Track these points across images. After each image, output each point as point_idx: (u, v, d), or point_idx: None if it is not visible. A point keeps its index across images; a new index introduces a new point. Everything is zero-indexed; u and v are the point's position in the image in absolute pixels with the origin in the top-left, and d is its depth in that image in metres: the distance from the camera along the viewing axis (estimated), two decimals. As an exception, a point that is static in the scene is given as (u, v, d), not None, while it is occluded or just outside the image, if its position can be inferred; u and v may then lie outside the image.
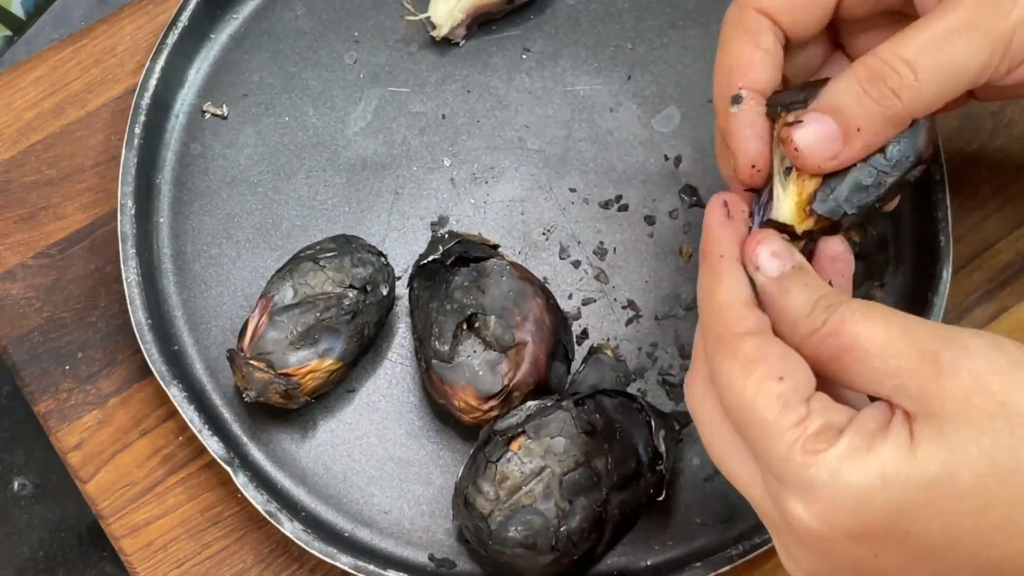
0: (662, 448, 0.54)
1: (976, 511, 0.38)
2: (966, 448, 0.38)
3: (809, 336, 0.41)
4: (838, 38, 0.52)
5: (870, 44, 0.49)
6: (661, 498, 0.54)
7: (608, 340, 0.60)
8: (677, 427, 0.56)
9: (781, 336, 0.42)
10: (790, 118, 0.45)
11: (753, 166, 0.46)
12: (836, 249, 0.47)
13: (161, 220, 0.62)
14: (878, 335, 0.40)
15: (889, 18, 0.50)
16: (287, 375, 0.55)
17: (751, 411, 0.40)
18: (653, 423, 0.54)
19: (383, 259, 0.58)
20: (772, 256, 0.44)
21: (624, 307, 0.60)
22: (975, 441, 0.38)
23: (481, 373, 0.55)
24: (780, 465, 0.39)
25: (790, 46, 0.49)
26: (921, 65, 0.43)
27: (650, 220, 0.62)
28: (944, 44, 0.43)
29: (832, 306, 0.41)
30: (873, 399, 0.42)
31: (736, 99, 0.46)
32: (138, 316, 0.58)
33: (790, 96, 0.46)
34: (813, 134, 0.44)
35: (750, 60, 0.47)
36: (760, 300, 0.44)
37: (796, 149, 0.44)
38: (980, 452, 0.38)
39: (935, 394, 0.38)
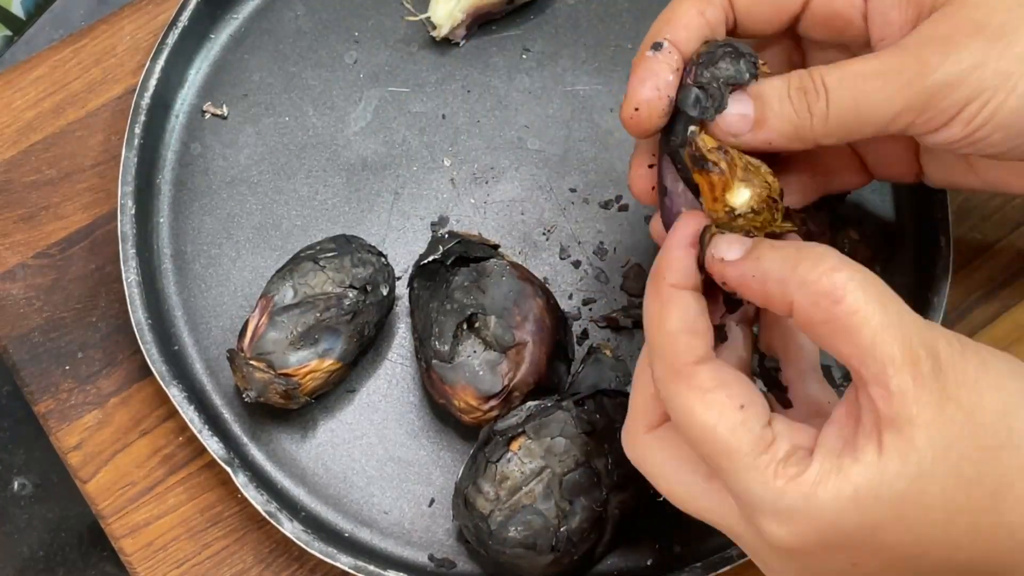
0: (662, 448, 0.54)
1: (944, 521, 0.39)
2: (935, 463, 0.39)
3: (804, 294, 0.41)
4: (804, 59, 0.52)
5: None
6: (662, 498, 0.54)
7: (608, 340, 0.60)
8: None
9: (768, 303, 0.42)
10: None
11: (636, 109, 0.46)
12: None
13: (161, 220, 0.62)
14: (876, 315, 0.40)
15: (846, 51, 0.50)
16: (287, 375, 0.55)
17: (715, 442, 0.41)
18: (653, 423, 0.55)
19: (383, 259, 0.58)
20: (728, 242, 0.44)
21: (624, 307, 0.60)
22: (943, 456, 0.39)
23: (481, 373, 0.55)
24: (753, 493, 0.40)
25: (740, 34, 0.49)
26: (834, 94, 0.44)
27: (650, 220, 0.62)
28: (861, 82, 0.44)
29: (833, 268, 0.40)
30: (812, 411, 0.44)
31: (656, 45, 0.47)
32: (138, 316, 0.58)
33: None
34: (733, 107, 0.45)
35: (687, 22, 0.47)
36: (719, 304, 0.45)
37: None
38: (947, 466, 0.39)
39: (912, 398, 0.39)
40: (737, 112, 0.45)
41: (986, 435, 0.40)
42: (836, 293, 0.40)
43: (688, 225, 0.45)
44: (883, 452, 0.39)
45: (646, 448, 0.46)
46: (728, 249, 0.43)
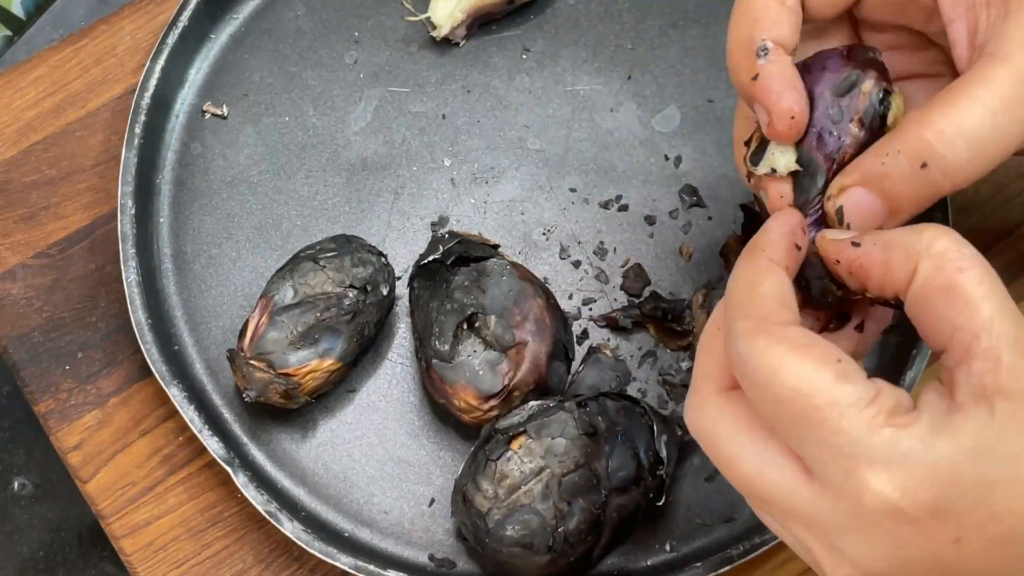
0: (663, 453, 0.54)
1: None
2: None
3: (930, 256, 0.40)
4: (861, 42, 0.50)
5: (888, 52, 0.48)
6: (661, 503, 0.54)
7: (608, 340, 0.60)
8: (680, 432, 0.56)
9: (888, 271, 0.41)
10: (832, 190, 0.44)
11: (792, 117, 0.44)
12: None
13: (161, 220, 0.62)
14: (997, 295, 0.39)
15: (910, 35, 0.48)
16: (287, 375, 0.55)
17: (811, 394, 0.38)
18: (656, 427, 0.54)
19: (383, 259, 0.58)
20: (844, 232, 0.43)
21: (624, 307, 0.60)
22: None
23: (481, 373, 0.55)
24: (857, 441, 0.37)
25: (806, 21, 0.47)
26: (970, 145, 0.42)
27: (650, 220, 0.62)
28: (990, 121, 0.42)
29: (959, 241, 0.40)
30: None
31: (763, 50, 0.44)
32: (138, 316, 0.58)
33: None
34: (860, 210, 0.43)
35: (775, 17, 0.45)
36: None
37: (842, 218, 0.44)
38: None
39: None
40: (864, 211, 0.43)
41: None
42: (963, 262, 0.39)
43: (792, 218, 0.44)
44: (995, 415, 0.37)
45: (716, 409, 0.42)
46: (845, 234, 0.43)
